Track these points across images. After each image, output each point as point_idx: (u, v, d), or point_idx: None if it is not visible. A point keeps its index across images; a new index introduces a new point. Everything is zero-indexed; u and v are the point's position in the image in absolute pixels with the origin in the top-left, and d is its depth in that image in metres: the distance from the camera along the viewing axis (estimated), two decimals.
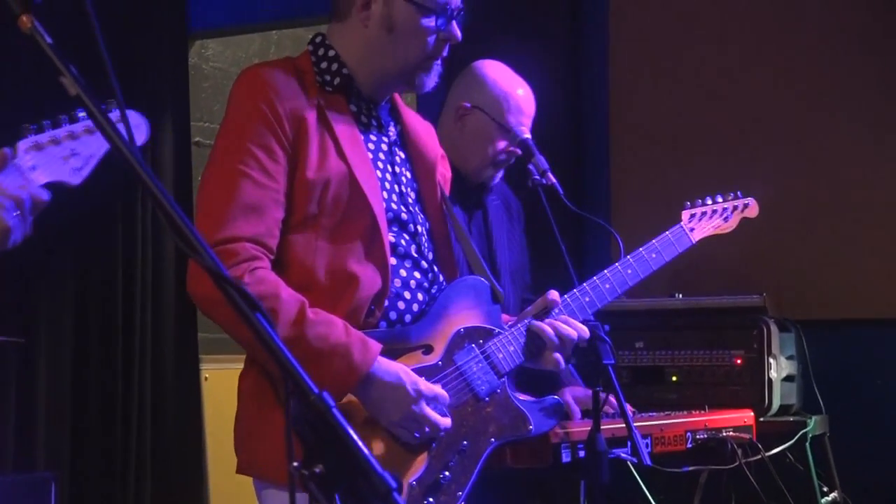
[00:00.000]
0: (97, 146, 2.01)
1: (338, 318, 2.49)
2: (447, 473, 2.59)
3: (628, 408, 3.12)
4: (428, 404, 2.53)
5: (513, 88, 3.65)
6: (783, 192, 4.98)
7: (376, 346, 2.49)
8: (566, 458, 3.11)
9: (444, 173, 2.90)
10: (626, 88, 5.35)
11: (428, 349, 2.65)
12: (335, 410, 1.48)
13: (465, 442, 2.63)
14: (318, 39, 2.72)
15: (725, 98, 5.14)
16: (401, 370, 2.52)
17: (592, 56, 5.43)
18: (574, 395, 3.59)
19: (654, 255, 3.17)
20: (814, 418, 4.36)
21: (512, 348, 2.75)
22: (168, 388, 5.49)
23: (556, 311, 2.87)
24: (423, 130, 2.85)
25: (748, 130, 5.10)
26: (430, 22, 2.65)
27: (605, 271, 3.02)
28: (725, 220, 3.49)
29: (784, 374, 4.39)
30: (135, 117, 1.97)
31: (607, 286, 2.99)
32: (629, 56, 5.36)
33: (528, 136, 3.53)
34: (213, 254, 1.50)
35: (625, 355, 4.39)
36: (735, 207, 3.53)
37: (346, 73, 2.67)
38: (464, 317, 2.72)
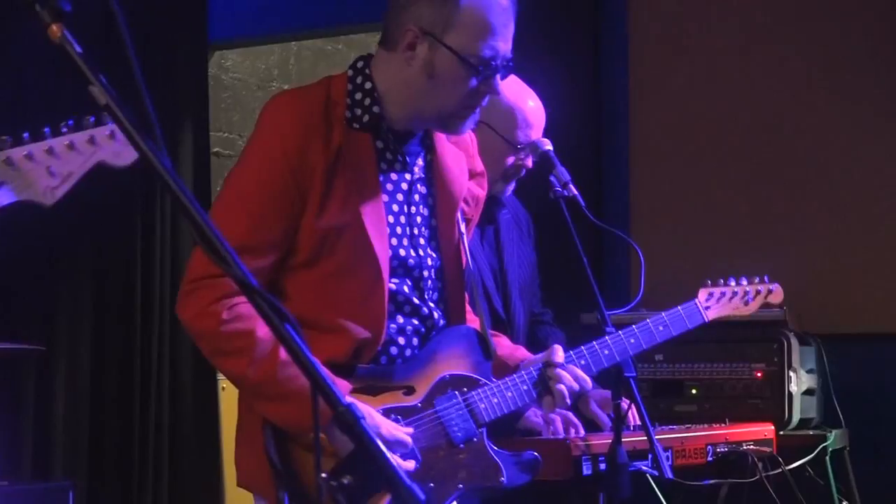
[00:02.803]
0: (78, 164, 1.88)
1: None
2: None
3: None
4: (389, 448, 2.50)
5: (521, 102, 3.60)
6: (805, 207, 4.98)
7: (344, 385, 2.49)
8: (587, 470, 3.11)
9: (476, 194, 2.87)
10: (646, 100, 5.34)
11: (409, 390, 2.64)
12: (363, 422, 1.48)
13: (431, 484, 2.61)
14: (360, 65, 2.68)
15: (747, 111, 5.13)
16: (366, 413, 2.50)
17: (612, 67, 5.42)
18: (598, 397, 3.58)
19: (661, 328, 3.12)
20: (834, 432, 4.35)
21: (496, 400, 2.71)
22: (185, 398, 5.49)
23: (601, 347, 2.90)
24: (454, 158, 2.79)
25: (769, 144, 5.08)
26: (471, 77, 2.60)
27: (607, 338, 2.97)
28: (746, 303, 3.46)
29: (804, 388, 4.37)
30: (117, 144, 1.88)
31: (606, 352, 2.94)
32: (649, 68, 5.35)
33: (549, 147, 3.51)
34: (241, 268, 1.50)
35: (645, 368, 4.37)
36: (759, 292, 3.48)
37: (376, 112, 2.62)
38: (452, 364, 2.70)
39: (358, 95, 2.63)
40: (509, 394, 2.73)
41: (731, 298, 3.41)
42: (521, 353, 2.94)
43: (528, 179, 3.70)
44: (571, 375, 2.80)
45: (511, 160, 3.60)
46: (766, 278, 3.52)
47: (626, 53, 5.39)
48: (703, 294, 3.36)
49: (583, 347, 2.93)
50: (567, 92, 4.91)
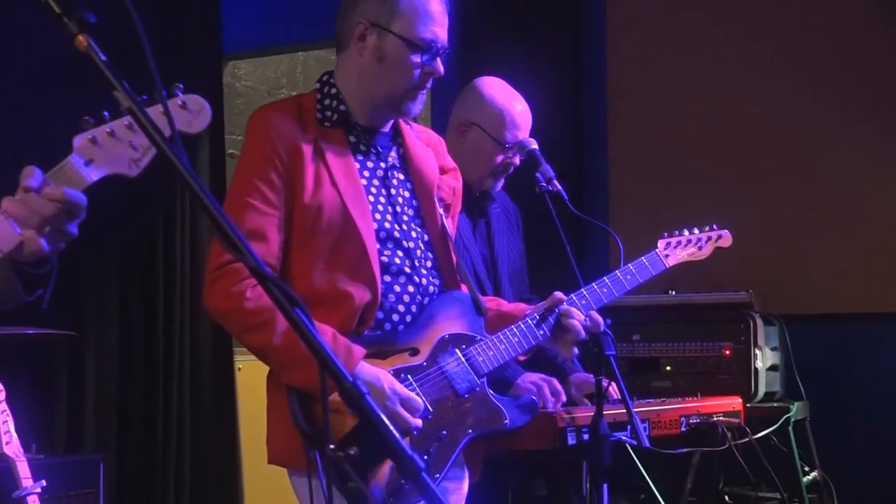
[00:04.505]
0: None
1: (329, 327, 2.55)
2: (426, 458, 2.62)
3: None
4: (401, 404, 2.55)
5: (509, 105, 3.63)
6: (769, 199, 4.98)
7: (359, 352, 2.55)
8: (571, 440, 3.11)
9: (452, 185, 2.94)
10: (624, 100, 5.35)
11: (414, 351, 2.69)
12: (367, 398, 1.47)
13: (444, 432, 2.66)
14: (325, 77, 2.80)
15: (718, 109, 5.13)
16: (380, 373, 2.57)
17: (592, 70, 5.42)
18: (577, 381, 3.58)
19: (628, 277, 3.18)
20: (796, 404, 4.35)
21: (492, 353, 2.76)
22: (205, 378, 5.48)
23: (578, 297, 2.94)
24: (424, 152, 2.87)
25: (738, 141, 5.09)
26: (416, 57, 2.70)
27: (583, 289, 3.00)
28: (699, 248, 3.50)
29: (769, 364, 4.38)
30: (196, 102, 1.84)
31: (583, 302, 2.98)
32: (626, 69, 5.35)
33: (535, 146, 3.51)
34: (254, 256, 1.49)
35: (623, 347, 4.37)
36: (710, 238, 3.53)
37: (343, 110, 2.73)
38: (449, 325, 2.75)
39: (326, 101, 2.75)
40: (502, 346, 2.78)
41: (685, 246, 3.46)
42: (523, 306, 2.97)
43: (515, 175, 3.70)
44: (577, 310, 2.87)
45: (500, 158, 3.61)
46: (715, 227, 3.56)
47: (604, 57, 5.39)
48: (661, 244, 3.41)
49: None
50: (550, 94, 4.91)
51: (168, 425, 5.30)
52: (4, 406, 3.66)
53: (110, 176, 1.81)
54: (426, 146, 2.89)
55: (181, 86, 1.70)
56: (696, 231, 3.51)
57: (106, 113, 1.79)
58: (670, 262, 3.37)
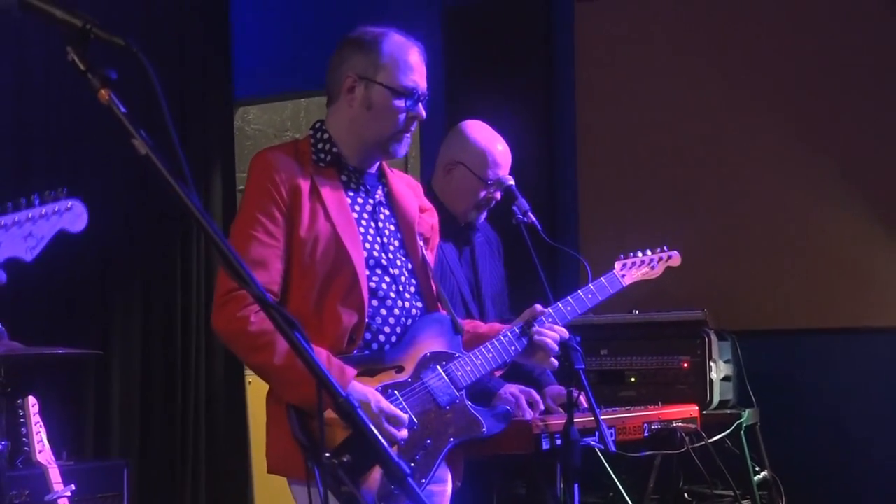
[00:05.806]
0: (49, 229, 1.95)
1: (323, 349, 2.55)
2: (413, 465, 2.61)
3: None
4: (388, 421, 2.54)
5: (491, 146, 3.63)
6: (722, 225, 5.00)
7: (351, 372, 2.54)
8: (546, 445, 3.11)
9: (430, 223, 2.94)
10: (591, 139, 5.36)
11: (400, 369, 2.68)
12: (359, 411, 1.47)
13: (428, 440, 2.65)
14: (318, 125, 2.81)
15: (677, 148, 5.15)
16: (369, 392, 2.55)
17: (563, 113, 5.44)
18: (552, 393, 3.58)
19: (590, 296, 3.15)
20: (747, 411, 4.36)
21: (469, 368, 2.76)
22: (218, 391, 5.48)
23: (546, 317, 2.91)
24: (406, 192, 2.88)
25: (691, 177, 5.10)
26: (400, 103, 2.72)
27: (549, 308, 2.98)
28: (652, 268, 3.47)
29: (722, 375, 4.38)
30: (77, 206, 1.93)
31: (550, 320, 2.95)
32: (593, 114, 5.37)
33: (511, 182, 3.53)
34: (257, 285, 1.50)
35: (592, 361, 4.37)
36: (661, 258, 3.51)
37: (335, 151, 2.74)
38: (430, 344, 2.74)
39: (320, 145, 2.76)
40: (479, 361, 2.77)
41: (640, 266, 3.43)
42: (499, 326, 2.97)
43: (496, 208, 3.71)
44: (547, 328, 2.86)
45: (483, 194, 3.62)
46: (665, 248, 3.54)
47: (574, 101, 5.41)
48: (618, 265, 3.39)
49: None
50: (526, 134, 4.92)
51: (185, 434, 5.30)
52: (38, 418, 3.65)
53: (10, 259, 1.90)
54: (407, 187, 2.90)
55: (65, 189, 1.80)
56: (649, 253, 3.49)
57: (9, 203, 1.88)
58: (626, 281, 3.35)
